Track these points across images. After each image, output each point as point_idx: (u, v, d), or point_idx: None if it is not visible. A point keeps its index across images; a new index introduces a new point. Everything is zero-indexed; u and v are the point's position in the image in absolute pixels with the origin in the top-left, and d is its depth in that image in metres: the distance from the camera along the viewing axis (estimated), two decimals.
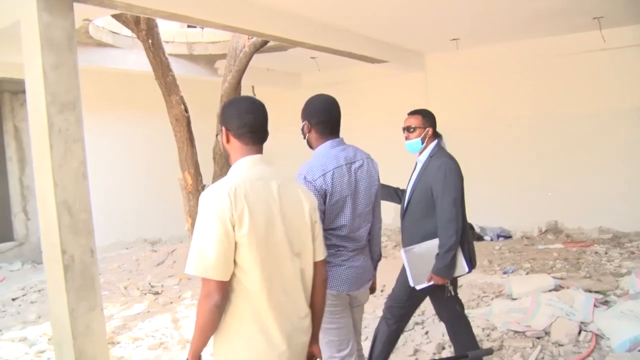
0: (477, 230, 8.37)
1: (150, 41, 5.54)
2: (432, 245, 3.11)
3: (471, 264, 3.24)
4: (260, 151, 1.98)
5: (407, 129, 3.29)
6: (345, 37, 6.72)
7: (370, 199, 2.59)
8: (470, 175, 8.48)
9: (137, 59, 6.96)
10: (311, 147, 2.62)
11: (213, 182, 7.54)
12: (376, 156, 2.78)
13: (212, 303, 1.74)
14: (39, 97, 3.55)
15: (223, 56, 7.67)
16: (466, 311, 4.78)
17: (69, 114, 3.65)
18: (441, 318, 3.52)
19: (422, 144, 3.25)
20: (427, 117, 3.27)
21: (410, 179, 3.36)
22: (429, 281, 3.09)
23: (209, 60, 8.51)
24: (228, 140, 1.99)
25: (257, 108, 1.99)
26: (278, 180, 1.92)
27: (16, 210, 8.07)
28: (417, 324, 4.62)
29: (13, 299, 5.93)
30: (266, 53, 7.69)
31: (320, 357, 2.16)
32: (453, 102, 8.71)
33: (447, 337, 4.31)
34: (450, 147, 3.25)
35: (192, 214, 6.43)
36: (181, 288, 6.40)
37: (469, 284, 5.66)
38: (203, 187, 7.17)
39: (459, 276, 3.23)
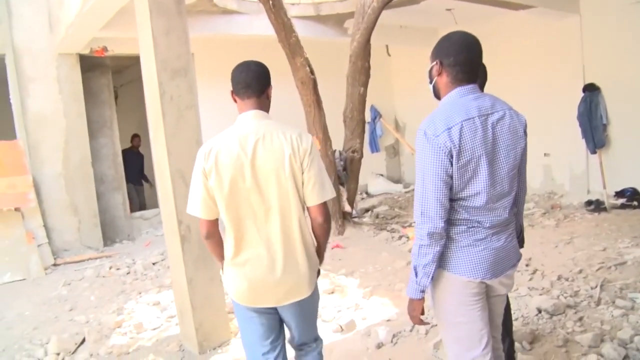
0: None
1: (270, 2, 5.34)
2: None
3: None
4: (254, 104, 2.23)
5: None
6: None
7: (515, 160, 2.02)
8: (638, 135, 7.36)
9: (262, 24, 6.79)
10: (437, 96, 2.11)
11: (344, 147, 7.28)
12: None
13: (202, 235, 2.28)
14: (150, 65, 3.47)
15: (351, 15, 7.29)
16: None
17: (181, 81, 3.53)
18: None
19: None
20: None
21: None
22: None
23: (337, 20, 8.17)
24: (235, 99, 2.27)
25: (249, 67, 2.23)
26: (258, 135, 2.16)
27: None
28: (568, 307, 3.95)
29: (153, 263, 6.25)
30: (397, 8, 7.17)
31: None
32: (614, 50, 7.47)
33: (606, 327, 3.62)
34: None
35: None
36: None
37: None
38: (333, 153, 6.90)
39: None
